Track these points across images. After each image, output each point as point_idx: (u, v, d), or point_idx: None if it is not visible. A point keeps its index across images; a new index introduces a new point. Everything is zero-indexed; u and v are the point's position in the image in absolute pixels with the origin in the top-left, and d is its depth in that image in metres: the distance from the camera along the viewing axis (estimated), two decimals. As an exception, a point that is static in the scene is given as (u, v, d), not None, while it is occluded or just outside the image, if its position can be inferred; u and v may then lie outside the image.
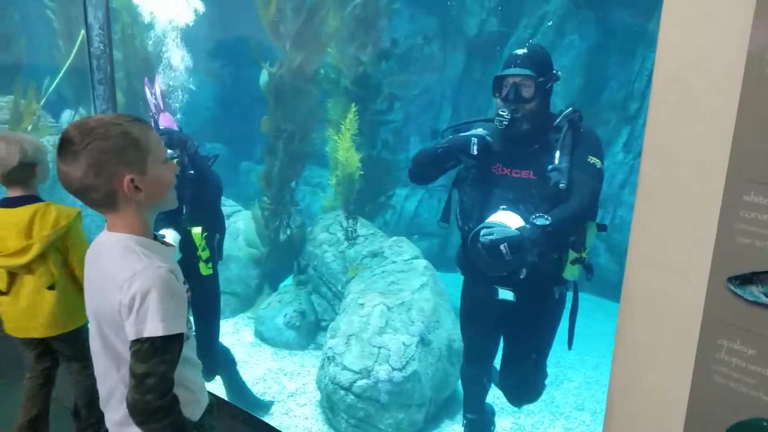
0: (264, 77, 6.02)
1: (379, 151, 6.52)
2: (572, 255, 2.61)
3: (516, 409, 4.04)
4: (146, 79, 3.47)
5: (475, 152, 2.55)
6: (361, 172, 5.93)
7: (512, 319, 2.86)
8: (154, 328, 1.21)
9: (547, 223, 2.40)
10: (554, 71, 2.58)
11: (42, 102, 6.81)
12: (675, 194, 1.02)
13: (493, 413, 3.39)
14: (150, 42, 6.52)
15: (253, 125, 6.51)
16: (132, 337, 1.23)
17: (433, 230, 7.70)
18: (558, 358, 5.19)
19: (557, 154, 2.52)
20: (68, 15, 6.97)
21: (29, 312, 2.10)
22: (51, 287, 2.09)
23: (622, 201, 7.12)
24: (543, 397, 4.53)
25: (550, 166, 2.51)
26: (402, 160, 7.43)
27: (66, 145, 1.24)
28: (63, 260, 2.14)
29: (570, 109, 2.57)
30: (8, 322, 2.16)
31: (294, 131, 6.01)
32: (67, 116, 7.26)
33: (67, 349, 2.25)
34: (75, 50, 6.55)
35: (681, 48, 0.98)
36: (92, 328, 1.36)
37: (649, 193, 1.08)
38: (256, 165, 7.29)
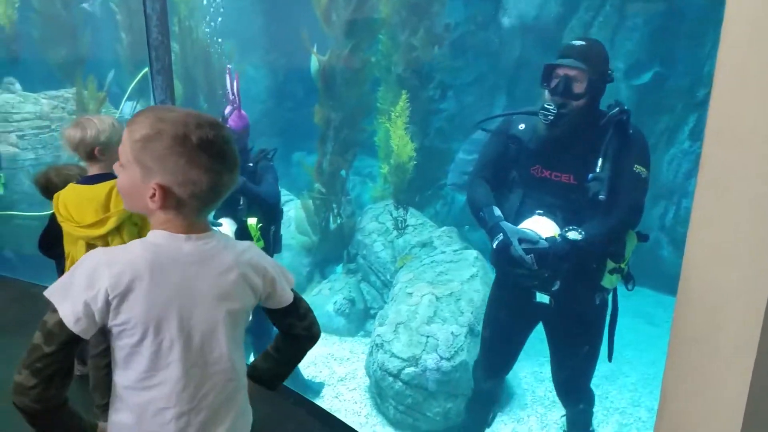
0: (314, 65, 6.05)
1: (432, 140, 6.45)
2: (611, 264, 2.49)
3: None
4: (228, 66, 3.52)
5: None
6: (414, 162, 5.89)
7: (550, 322, 2.76)
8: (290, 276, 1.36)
9: (579, 238, 2.32)
10: (609, 71, 2.41)
11: (126, 96, 7.08)
12: (739, 182, 0.95)
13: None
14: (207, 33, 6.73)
15: (305, 116, 6.57)
16: (291, 296, 1.33)
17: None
18: (614, 356, 5.04)
19: (599, 161, 2.36)
20: (130, 7, 7.25)
21: None
22: None
23: (688, 192, 6.76)
24: (597, 392, 4.43)
25: (590, 175, 2.37)
26: (456, 150, 7.29)
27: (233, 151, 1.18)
28: (138, 233, 2.24)
29: (617, 109, 2.40)
30: None
31: (344, 120, 6.04)
32: (128, 107, 7.56)
33: None
34: (141, 74, 6.72)
35: (748, 25, 0.91)
36: (223, 339, 1.21)
37: (711, 180, 1.01)
38: (308, 155, 7.38)
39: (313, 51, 5.98)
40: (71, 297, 1.08)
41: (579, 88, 2.34)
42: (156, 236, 1.16)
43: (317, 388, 4.45)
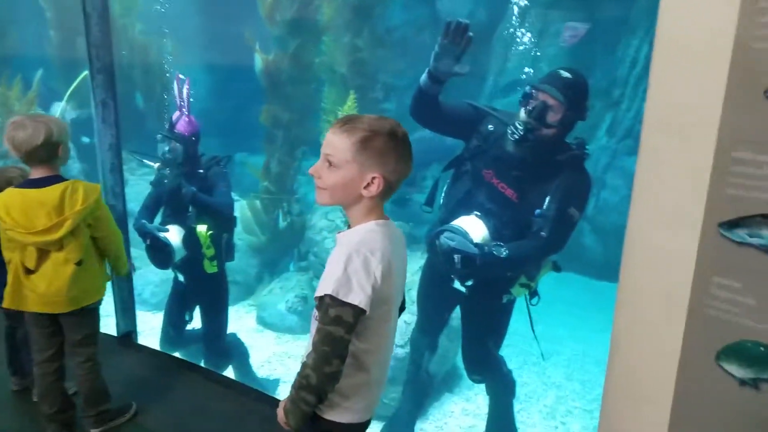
0: (259, 64, 6.04)
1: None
2: (523, 279, 2.73)
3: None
4: (178, 74, 3.46)
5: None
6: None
7: (463, 307, 3.04)
8: None
9: (502, 256, 2.48)
10: (586, 109, 2.49)
11: (66, 97, 6.67)
12: (673, 156, 1.12)
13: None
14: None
15: (246, 116, 6.51)
16: None
17: (429, 218, 7.88)
18: (548, 336, 5.41)
19: (548, 199, 2.49)
20: (61, 4, 6.91)
21: (57, 287, 2.11)
22: (79, 262, 2.11)
23: (606, 184, 7.33)
24: (535, 369, 4.80)
25: (537, 211, 2.49)
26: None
27: None
28: (91, 234, 2.19)
29: (577, 150, 2.51)
30: (34, 299, 2.14)
31: (292, 119, 6.08)
32: (56, 108, 7.24)
33: (75, 330, 2.24)
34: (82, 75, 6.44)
35: (680, 22, 1.09)
36: (393, 312, 1.44)
37: (649, 157, 1.18)
38: (250, 156, 7.33)
39: (256, 49, 5.95)
40: (358, 288, 1.28)
41: (553, 118, 2.41)
42: (379, 224, 1.38)
43: (272, 386, 4.48)
